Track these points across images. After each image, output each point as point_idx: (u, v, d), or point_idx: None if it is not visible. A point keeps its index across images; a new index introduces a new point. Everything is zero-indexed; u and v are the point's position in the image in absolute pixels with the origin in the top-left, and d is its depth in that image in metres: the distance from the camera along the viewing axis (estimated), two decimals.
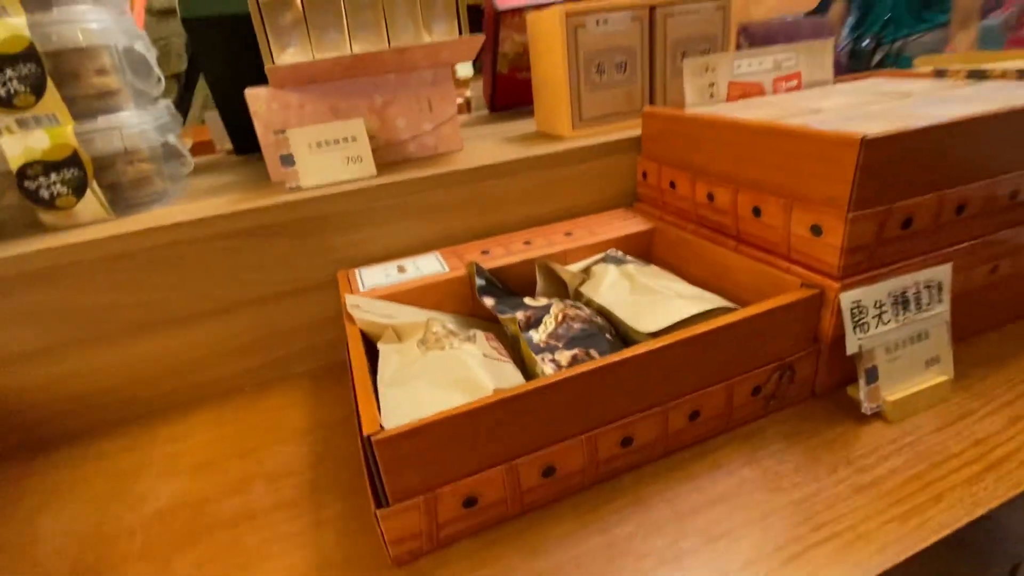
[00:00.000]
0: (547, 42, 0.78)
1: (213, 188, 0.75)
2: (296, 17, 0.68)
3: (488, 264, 0.63)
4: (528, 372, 0.49)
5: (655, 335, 0.48)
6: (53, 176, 0.60)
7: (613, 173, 0.77)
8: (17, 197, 0.60)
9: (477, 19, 1.05)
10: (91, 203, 0.63)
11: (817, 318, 0.49)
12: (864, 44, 1.93)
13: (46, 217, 0.62)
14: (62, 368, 0.61)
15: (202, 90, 1.47)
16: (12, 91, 0.57)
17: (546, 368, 0.46)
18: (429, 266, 0.65)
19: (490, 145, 0.83)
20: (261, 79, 0.71)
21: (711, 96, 0.74)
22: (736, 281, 0.57)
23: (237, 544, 0.46)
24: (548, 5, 0.97)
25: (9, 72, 0.56)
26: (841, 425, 0.49)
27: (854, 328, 0.47)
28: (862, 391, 0.48)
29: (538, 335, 0.50)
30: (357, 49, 0.71)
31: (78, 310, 0.60)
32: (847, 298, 0.46)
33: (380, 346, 0.51)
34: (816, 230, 0.48)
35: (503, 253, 0.66)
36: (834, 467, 0.45)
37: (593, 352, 0.47)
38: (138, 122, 0.65)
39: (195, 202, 0.69)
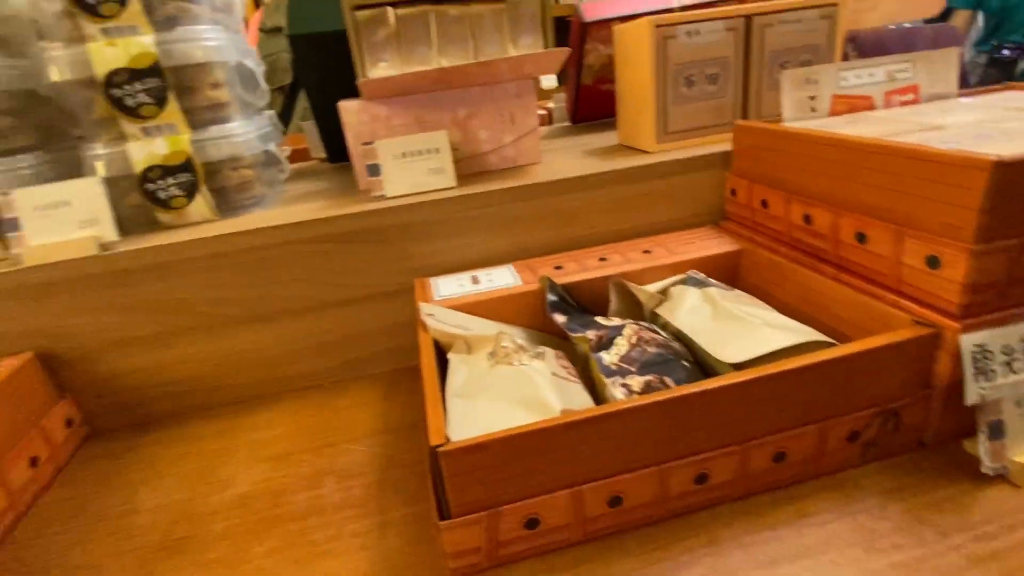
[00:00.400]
0: (634, 53, 0.76)
1: (306, 194, 0.80)
2: (389, 33, 0.71)
3: (561, 279, 0.62)
4: (598, 395, 0.48)
5: (739, 366, 0.45)
6: (170, 179, 0.66)
7: (698, 189, 0.73)
8: (139, 198, 0.67)
9: (563, 31, 1.04)
10: (200, 205, 0.69)
11: (931, 361, 0.44)
12: (1004, 53, 1.71)
13: (162, 216, 0.69)
14: (168, 354, 0.67)
15: (301, 101, 1.57)
16: (139, 102, 0.63)
17: (616, 392, 0.45)
18: (502, 278, 0.65)
19: (570, 158, 0.82)
20: (355, 92, 0.75)
21: (812, 110, 0.69)
22: (834, 312, 0.52)
23: (305, 538, 0.48)
24: (636, 16, 0.95)
25: (137, 85, 0.63)
26: (955, 484, 0.43)
27: (976, 375, 0.41)
28: (982, 447, 0.42)
29: (609, 357, 0.49)
30: (445, 63, 0.73)
31: (184, 302, 0.66)
32: (968, 341, 0.41)
33: (450, 356, 0.52)
34: (933, 262, 0.43)
35: (577, 269, 0.64)
36: (945, 531, 0.40)
37: (668, 380, 0.45)
38: (244, 132, 0.70)
39: (289, 207, 0.73)
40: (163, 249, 0.63)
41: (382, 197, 0.70)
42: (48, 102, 0.69)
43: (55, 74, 0.61)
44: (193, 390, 0.69)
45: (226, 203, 0.71)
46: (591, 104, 1.08)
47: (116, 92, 0.62)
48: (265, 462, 0.59)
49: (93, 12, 0.60)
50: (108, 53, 0.61)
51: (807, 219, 0.57)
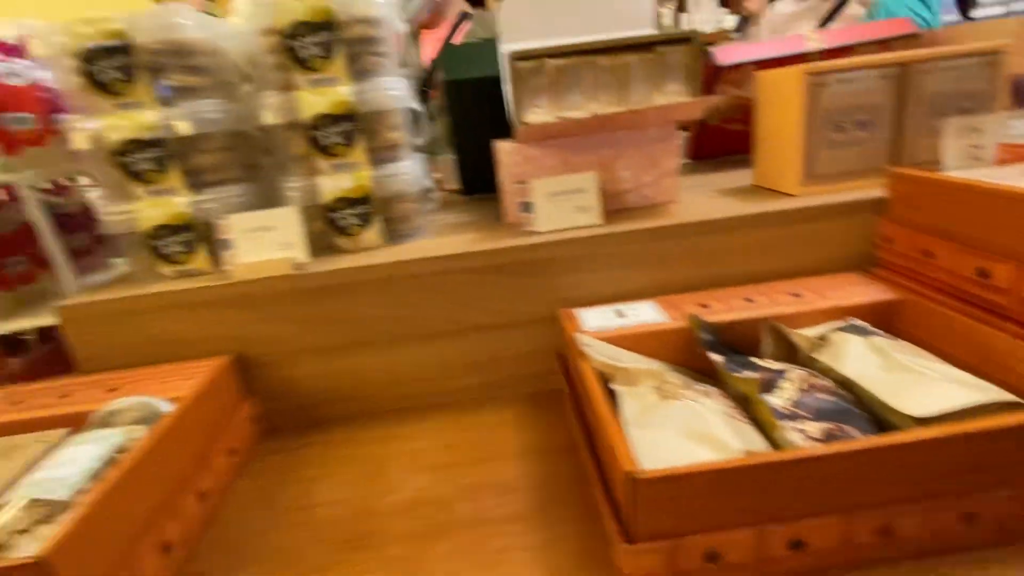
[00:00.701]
0: (780, 98, 0.77)
1: (454, 225, 0.87)
2: (546, 81, 0.77)
3: (708, 318, 0.63)
4: (766, 437, 0.49)
5: (923, 421, 0.45)
6: (350, 210, 0.75)
7: (844, 234, 0.73)
8: (322, 224, 0.76)
9: None
10: (372, 233, 0.77)
11: None
12: None
13: (338, 241, 0.77)
14: (338, 364, 0.75)
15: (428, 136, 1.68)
16: (333, 143, 0.73)
17: (792, 437, 0.46)
18: (647, 314, 0.67)
19: (704, 197, 0.84)
20: (499, 131, 0.81)
21: (976, 159, 0.67)
22: (1017, 371, 0.50)
23: (480, 546, 0.52)
24: (771, 61, 0.96)
25: (333, 128, 0.72)
26: None
27: None
28: None
29: (778, 400, 0.50)
30: (594, 108, 0.78)
31: (357, 318, 0.73)
32: None
33: (615, 388, 0.55)
34: None
35: (723, 308, 0.66)
36: None
37: (849, 429, 0.46)
38: (411, 169, 0.78)
39: (444, 237, 0.80)
40: (345, 272, 0.71)
41: (533, 232, 0.75)
42: (251, 140, 0.80)
43: (268, 118, 0.71)
44: (356, 398, 0.76)
45: (392, 232, 0.79)
46: (715, 143, 1.10)
47: (315, 134, 0.72)
48: (427, 471, 0.64)
49: (304, 66, 0.70)
50: (313, 100, 0.70)
51: (982, 273, 0.55)
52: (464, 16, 1.78)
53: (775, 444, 0.47)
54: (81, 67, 0.66)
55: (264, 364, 0.75)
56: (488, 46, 1.00)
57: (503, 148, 0.79)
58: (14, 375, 0.99)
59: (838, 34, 0.97)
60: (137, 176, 0.70)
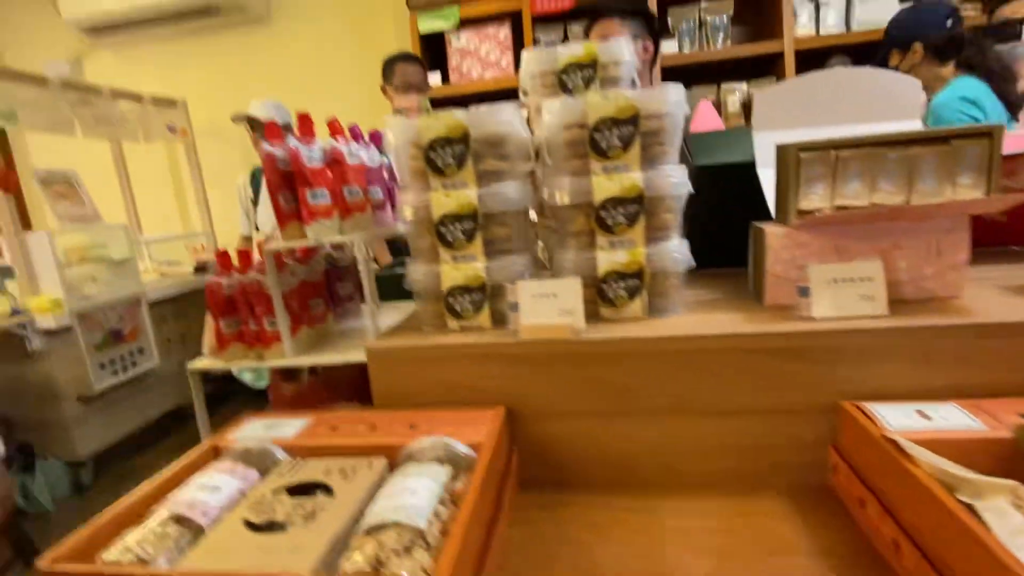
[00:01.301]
0: None
1: (701, 303, 0.89)
2: (826, 170, 0.78)
3: None
4: None
5: None
6: (620, 283, 0.81)
7: None
8: (592, 294, 0.82)
9: None
10: (636, 305, 0.81)
11: None
12: None
13: (603, 311, 0.83)
14: (597, 428, 0.78)
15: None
16: (616, 222, 0.79)
17: None
18: (956, 418, 0.63)
19: (991, 293, 0.78)
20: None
21: None
22: None
23: None
24: None
25: (620, 210, 0.79)
26: None
27: None
28: None
29: None
30: (876, 199, 0.77)
31: (619, 387, 0.77)
32: None
33: (968, 501, 0.51)
34: None
35: None
36: None
37: None
38: (678, 248, 0.82)
39: (699, 314, 0.82)
40: (623, 342, 0.76)
41: (807, 317, 0.74)
42: (527, 215, 0.90)
43: (562, 199, 0.80)
44: (610, 464, 0.79)
45: (652, 306, 0.83)
46: (978, 233, 1.02)
47: (602, 213, 0.79)
48: (711, 555, 0.64)
49: (603, 155, 0.78)
50: (607, 185, 0.78)
51: None
52: None
53: None
54: (423, 154, 0.80)
55: (526, 418, 0.80)
56: (724, 134, 1.05)
57: (772, 232, 0.81)
58: (286, 398, 1.17)
59: None
60: (448, 243, 0.82)
